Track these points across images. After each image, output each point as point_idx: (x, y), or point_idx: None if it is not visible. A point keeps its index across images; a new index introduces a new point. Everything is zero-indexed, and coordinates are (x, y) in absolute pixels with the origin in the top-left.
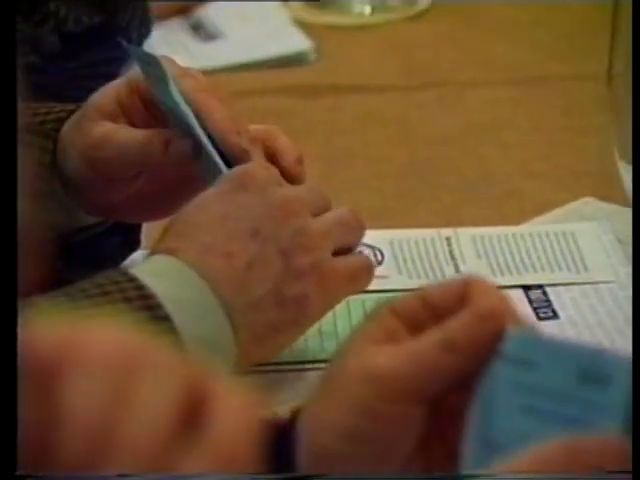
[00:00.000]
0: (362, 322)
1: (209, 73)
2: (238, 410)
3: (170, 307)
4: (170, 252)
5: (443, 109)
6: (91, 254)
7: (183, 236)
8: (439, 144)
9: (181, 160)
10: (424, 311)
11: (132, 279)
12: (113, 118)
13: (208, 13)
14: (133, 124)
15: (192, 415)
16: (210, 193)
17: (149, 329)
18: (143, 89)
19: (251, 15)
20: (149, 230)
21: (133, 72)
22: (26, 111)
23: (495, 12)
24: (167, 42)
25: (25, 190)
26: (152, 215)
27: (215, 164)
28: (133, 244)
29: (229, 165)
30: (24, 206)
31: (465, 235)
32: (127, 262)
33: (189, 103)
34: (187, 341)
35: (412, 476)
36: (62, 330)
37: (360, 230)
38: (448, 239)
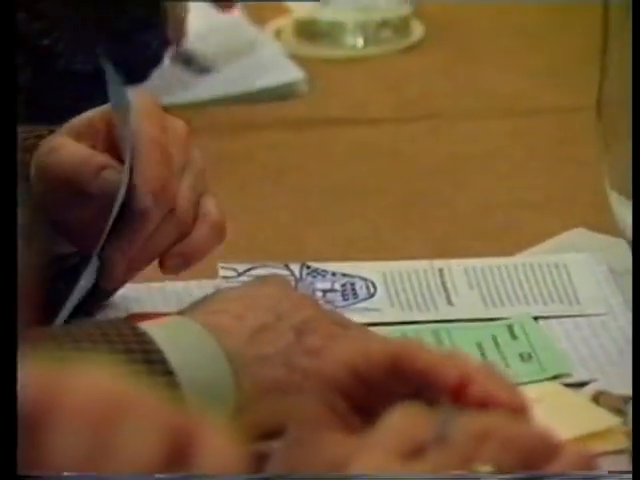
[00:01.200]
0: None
1: (201, 106)
2: (221, 450)
3: (164, 345)
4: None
5: (436, 141)
6: (69, 285)
7: (197, 306)
8: (432, 176)
9: (106, 191)
10: (359, 385)
11: (132, 327)
12: (79, 138)
13: (200, 46)
14: (95, 149)
15: (176, 459)
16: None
17: (140, 369)
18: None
19: (243, 48)
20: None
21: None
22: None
23: (488, 44)
24: (159, 75)
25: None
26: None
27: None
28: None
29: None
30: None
31: (458, 267)
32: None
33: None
34: (183, 383)
35: (414, 476)
36: (47, 374)
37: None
38: (441, 270)
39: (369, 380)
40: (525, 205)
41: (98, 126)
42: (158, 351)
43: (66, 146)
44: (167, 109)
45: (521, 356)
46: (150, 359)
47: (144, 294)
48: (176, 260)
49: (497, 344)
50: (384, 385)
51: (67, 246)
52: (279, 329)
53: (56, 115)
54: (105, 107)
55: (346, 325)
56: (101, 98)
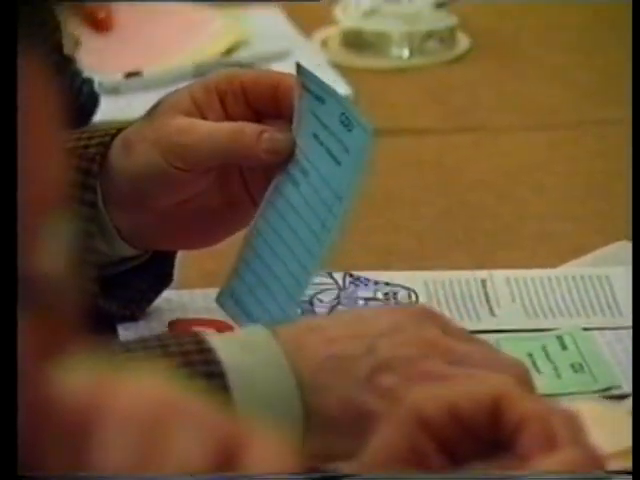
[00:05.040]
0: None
1: None
2: (272, 461)
3: (237, 380)
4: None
5: (479, 153)
6: (124, 287)
7: (300, 321)
8: (475, 187)
9: (273, 153)
10: (454, 426)
11: (199, 341)
12: (188, 115)
13: (245, 54)
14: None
15: (225, 467)
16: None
17: (197, 378)
18: (224, 89)
19: (283, 55)
20: (182, 269)
21: (213, 76)
22: (70, 136)
23: (533, 56)
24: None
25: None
26: (193, 240)
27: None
28: (166, 279)
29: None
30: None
31: (500, 277)
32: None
33: None
34: (241, 402)
35: (419, 476)
36: (100, 380)
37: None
38: (483, 281)
39: (470, 423)
40: (568, 217)
41: (203, 100)
42: (218, 363)
43: (203, 124)
44: None
45: (573, 367)
46: (209, 373)
47: (187, 300)
48: None
49: (547, 354)
50: (482, 429)
51: (129, 249)
52: (358, 362)
53: None
54: (194, 82)
55: (466, 353)
56: None
